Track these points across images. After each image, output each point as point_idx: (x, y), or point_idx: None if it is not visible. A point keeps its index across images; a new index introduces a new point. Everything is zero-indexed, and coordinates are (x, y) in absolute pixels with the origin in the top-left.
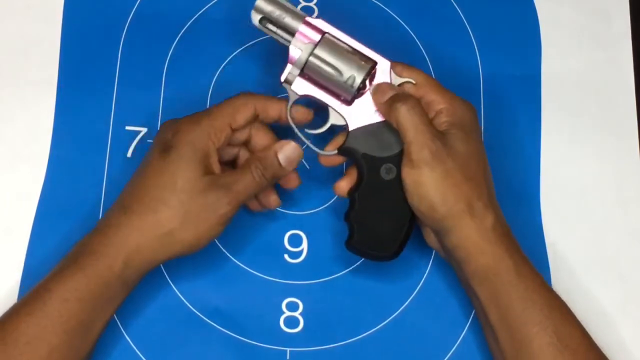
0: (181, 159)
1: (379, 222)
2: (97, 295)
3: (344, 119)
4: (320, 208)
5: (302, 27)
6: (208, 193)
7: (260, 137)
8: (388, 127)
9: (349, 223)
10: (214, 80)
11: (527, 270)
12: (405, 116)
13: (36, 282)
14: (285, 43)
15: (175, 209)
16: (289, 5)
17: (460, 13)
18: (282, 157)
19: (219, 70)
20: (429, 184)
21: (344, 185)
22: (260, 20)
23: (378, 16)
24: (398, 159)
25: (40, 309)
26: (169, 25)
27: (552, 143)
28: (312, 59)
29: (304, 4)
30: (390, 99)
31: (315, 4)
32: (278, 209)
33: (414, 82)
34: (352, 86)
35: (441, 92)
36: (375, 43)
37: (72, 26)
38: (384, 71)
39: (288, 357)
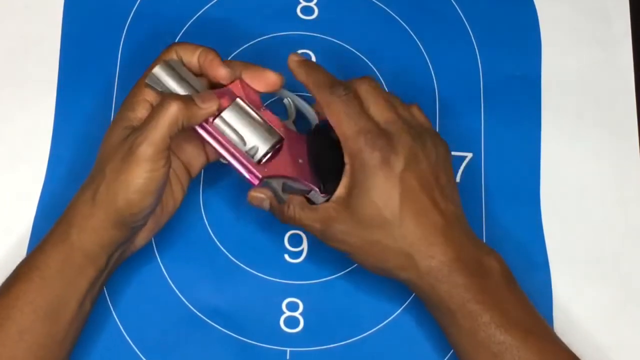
0: (112, 123)
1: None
2: (60, 271)
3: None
4: None
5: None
6: (124, 141)
7: None
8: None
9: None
10: None
11: (479, 308)
12: (297, 219)
13: None
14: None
15: (99, 168)
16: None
17: (460, 13)
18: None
19: None
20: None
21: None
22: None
23: (378, 16)
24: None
25: (7, 292)
26: (169, 25)
27: (552, 143)
28: (217, 121)
29: (304, 4)
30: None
31: (315, 4)
32: None
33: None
34: (253, 157)
35: (348, 143)
36: (375, 43)
37: (72, 26)
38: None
39: (288, 357)
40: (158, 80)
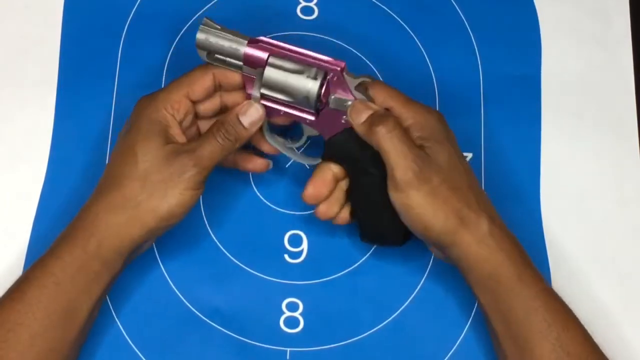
0: (139, 132)
1: (379, 215)
2: (75, 278)
3: (316, 130)
4: None
5: (247, 51)
6: (172, 160)
7: (235, 100)
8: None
9: (355, 220)
10: None
11: (528, 275)
12: (385, 139)
13: None
14: (238, 70)
15: (139, 181)
16: (227, 34)
17: (460, 13)
18: (243, 118)
19: None
20: (418, 205)
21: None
22: (208, 55)
23: (378, 16)
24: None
25: (20, 297)
26: (169, 25)
27: (552, 143)
28: (263, 88)
29: (304, 4)
30: (368, 120)
31: (315, 4)
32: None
33: (369, 80)
34: (309, 103)
35: (406, 105)
36: (375, 43)
37: (72, 26)
38: (338, 77)
39: (288, 357)
40: (208, 43)
